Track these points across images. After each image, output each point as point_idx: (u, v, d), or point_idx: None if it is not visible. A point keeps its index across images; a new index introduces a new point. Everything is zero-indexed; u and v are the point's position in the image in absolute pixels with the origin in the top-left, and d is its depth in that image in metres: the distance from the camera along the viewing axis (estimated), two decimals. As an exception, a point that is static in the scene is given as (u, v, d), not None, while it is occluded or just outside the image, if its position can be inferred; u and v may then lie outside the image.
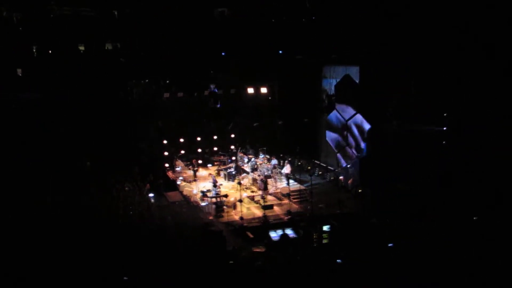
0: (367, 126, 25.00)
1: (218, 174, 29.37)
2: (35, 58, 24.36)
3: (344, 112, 26.90)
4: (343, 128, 26.92)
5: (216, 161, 31.66)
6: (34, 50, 24.31)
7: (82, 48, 25.09)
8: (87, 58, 25.00)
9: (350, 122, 26.23)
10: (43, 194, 21.27)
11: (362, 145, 25.48)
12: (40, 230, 18.12)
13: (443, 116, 22.49)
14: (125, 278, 15.32)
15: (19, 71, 24.54)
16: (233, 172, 28.63)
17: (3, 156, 21.87)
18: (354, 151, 26.14)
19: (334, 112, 27.77)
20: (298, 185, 25.80)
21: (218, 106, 31.29)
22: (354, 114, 25.81)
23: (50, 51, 24.72)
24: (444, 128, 22.50)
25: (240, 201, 23.13)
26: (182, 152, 31.16)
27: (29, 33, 23.57)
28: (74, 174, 22.79)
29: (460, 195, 19.44)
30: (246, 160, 29.94)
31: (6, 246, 16.62)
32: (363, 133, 25.27)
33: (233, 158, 30.67)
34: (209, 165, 31.47)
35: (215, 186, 24.72)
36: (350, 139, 26.28)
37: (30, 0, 23.47)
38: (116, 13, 24.83)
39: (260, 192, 25.18)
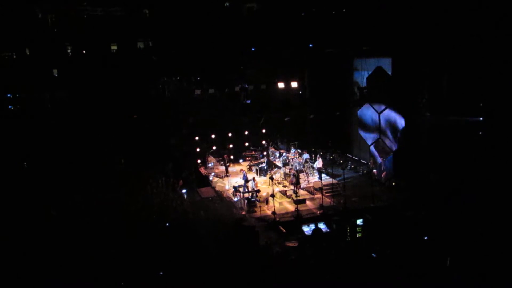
0: (401, 123, 24.39)
1: (250, 169, 29.45)
2: (70, 58, 24.97)
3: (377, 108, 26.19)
4: (377, 131, 26.32)
5: (248, 156, 31.75)
6: (69, 51, 24.91)
7: (114, 47, 25.58)
8: (120, 56, 25.46)
9: (384, 123, 25.55)
10: (78, 191, 21.78)
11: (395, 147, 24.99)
12: (76, 225, 18.57)
13: (478, 106, 21.91)
14: (160, 273, 15.54)
15: (54, 71, 25.18)
16: (265, 167, 28.65)
17: (40, 153, 22.52)
18: (387, 148, 25.67)
19: (369, 111, 27.03)
20: (331, 179, 25.61)
21: (248, 102, 31.37)
22: (385, 109, 25.07)
23: (84, 51, 25.28)
24: (481, 119, 21.91)
25: (273, 196, 23.13)
26: (214, 148, 31.37)
27: (64, 34, 24.15)
28: (108, 170, 23.24)
29: (498, 187, 18.93)
30: (277, 154, 29.91)
31: (43, 238, 17.11)
32: (396, 133, 24.71)
33: (265, 153, 30.67)
34: (240, 161, 31.57)
35: (247, 181, 24.76)
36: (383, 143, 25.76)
37: (63, 1, 24.03)
38: (147, 12, 25.22)
39: (292, 187, 25.13)
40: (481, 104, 21.84)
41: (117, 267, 15.53)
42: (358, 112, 27.45)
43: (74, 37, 24.38)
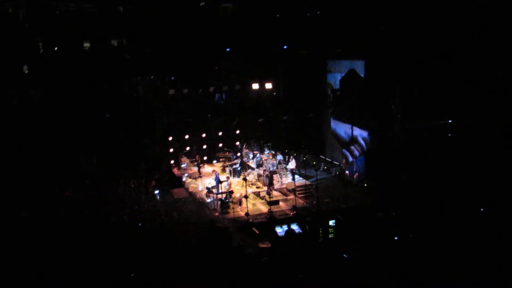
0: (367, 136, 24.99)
1: (224, 170, 29.36)
2: (41, 55, 24.44)
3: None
4: (350, 142, 26.69)
5: (222, 157, 31.64)
6: (40, 47, 24.38)
7: (87, 44, 25.16)
8: (93, 54, 25.07)
9: (357, 135, 26.08)
10: (47, 193, 21.31)
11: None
12: (46, 228, 18.18)
13: (448, 109, 22.44)
14: (132, 275, 15.35)
15: (25, 68, 24.63)
16: (239, 168, 28.61)
17: (9, 154, 21.95)
18: (358, 150, 26.07)
19: (343, 126, 27.48)
20: (304, 180, 25.77)
21: (222, 102, 31.31)
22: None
23: (55, 48, 24.79)
24: (450, 121, 22.44)
25: (246, 197, 23.14)
26: (187, 148, 31.16)
27: (35, 29, 23.63)
28: (79, 171, 22.82)
29: (466, 187, 19.39)
30: (251, 156, 29.91)
31: (13, 242, 16.71)
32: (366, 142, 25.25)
33: (238, 154, 30.65)
34: (214, 161, 31.45)
35: (219, 182, 24.67)
36: (356, 152, 26.16)
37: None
38: (121, 9, 24.90)
39: (265, 188, 25.17)
40: (450, 107, 22.38)
41: (87, 269, 15.29)
42: (332, 125, 27.76)
43: (46, 33, 23.88)
